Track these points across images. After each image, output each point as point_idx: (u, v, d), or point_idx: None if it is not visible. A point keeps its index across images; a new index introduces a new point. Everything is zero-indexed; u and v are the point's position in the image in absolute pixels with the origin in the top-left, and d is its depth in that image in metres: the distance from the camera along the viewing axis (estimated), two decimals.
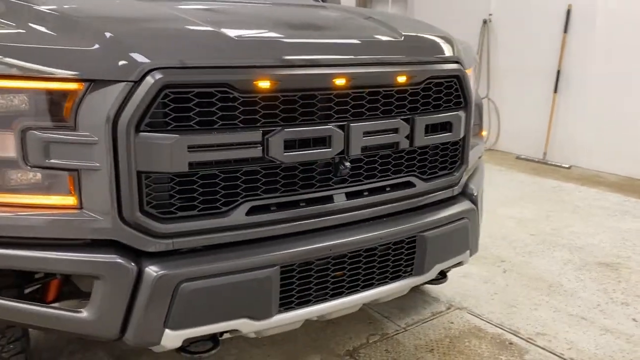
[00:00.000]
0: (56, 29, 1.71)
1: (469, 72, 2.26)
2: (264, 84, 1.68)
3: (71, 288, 2.00)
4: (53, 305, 1.70)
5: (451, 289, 3.32)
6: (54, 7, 1.85)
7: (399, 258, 2.04)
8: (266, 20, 2.04)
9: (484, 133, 2.85)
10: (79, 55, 1.60)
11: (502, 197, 5.12)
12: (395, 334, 2.85)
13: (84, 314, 1.64)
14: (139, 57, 1.56)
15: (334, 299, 1.91)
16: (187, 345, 1.79)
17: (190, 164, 1.61)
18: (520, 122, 6.90)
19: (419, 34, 2.22)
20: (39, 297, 1.95)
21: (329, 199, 1.89)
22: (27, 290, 1.92)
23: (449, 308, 3.14)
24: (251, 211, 1.75)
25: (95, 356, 2.54)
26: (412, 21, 2.40)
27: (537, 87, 6.67)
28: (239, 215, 1.73)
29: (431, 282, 2.32)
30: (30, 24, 1.77)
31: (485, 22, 7.08)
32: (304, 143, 1.79)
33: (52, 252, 1.63)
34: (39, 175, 1.63)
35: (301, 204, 1.84)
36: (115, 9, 1.95)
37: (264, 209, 1.78)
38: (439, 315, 3.07)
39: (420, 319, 3.01)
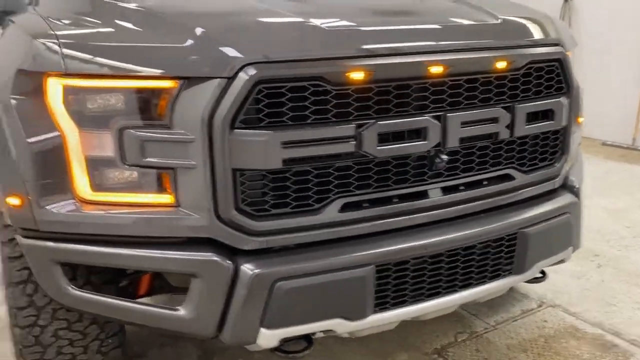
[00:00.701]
0: (146, 26, 1.71)
1: (570, 55, 2.09)
2: (357, 75, 1.61)
3: (161, 282, 2.03)
4: (152, 303, 1.71)
5: (541, 285, 3.10)
6: (143, 4, 1.85)
7: (498, 256, 1.92)
8: (353, 8, 1.96)
9: (581, 120, 2.65)
10: (172, 52, 1.59)
11: (591, 186, 4.79)
12: (485, 333, 2.72)
13: (182, 312, 1.65)
14: (232, 53, 1.53)
15: (431, 299, 1.82)
16: (281, 345, 1.76)
17: (284, 161, 1.57)
18: (606, 105, 6.44)
19: (516, 16, 2.06)
20: (130, 291, 1.99)
21: (424, 194, 1.80)
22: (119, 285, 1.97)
23: (540, 305, 2.97)
24: (344, 208, 1.69)
25: (184, 350, 2.58)
26: (504, 2, 2.25)
27: (625, 68, 6.20)
28: (331, 212, 1.67)
29: (530, 280, 2.17)
30: (120, 23, 1.78)
31: (566, 0, 6.66)
32: (398, 136, 1.70)
33: (151, 250, 1.65)
34: (135, 174, 1.64)
35: (394, 200, 1.76)
36: (200, 3, 1.93)
37: (357, 205, 1.71)
38: (530, 313, 2.90)
39: (510, 317, 2.86)
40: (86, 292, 1.73)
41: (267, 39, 1.61)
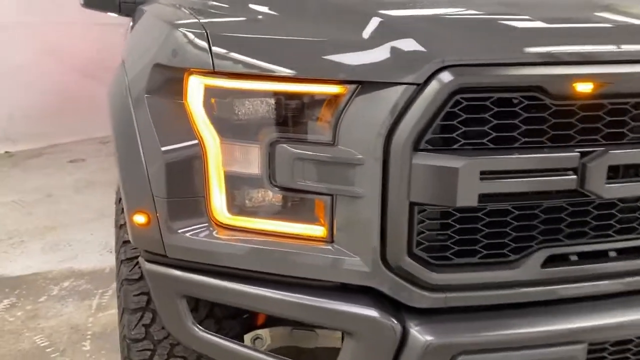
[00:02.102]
0: (308, 16, 1.40)
1: None
2: (587, 87, 1.19)
3: None
4: None
5: None
6: None
7: None
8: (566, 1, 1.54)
9: None
10: (341, 49, 1.25)
11: None
12: None
13: None
14: (423, 52, 1.17)
15: None
16: None
17: (481, 196, 1.19)
18: None
19: None
20: (248, 322, 1.69)
21: None
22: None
23: None
24: (548, 262, 1.27)
25: None
26: None
27: None
28: (532, 266, 1.26)
29: None
30: (274, 13, 1.49)
31: None
32: (627, 171, 1.27)
33: (296, 295, 1.32)
34: (283, 198, 1.33)
35: (611, 255, 1.32)
36: None
37: (564, 259, 1.29)
38: None
39: None
40: (214, 336, 1.43)
41: (468, 35, 1.23)
